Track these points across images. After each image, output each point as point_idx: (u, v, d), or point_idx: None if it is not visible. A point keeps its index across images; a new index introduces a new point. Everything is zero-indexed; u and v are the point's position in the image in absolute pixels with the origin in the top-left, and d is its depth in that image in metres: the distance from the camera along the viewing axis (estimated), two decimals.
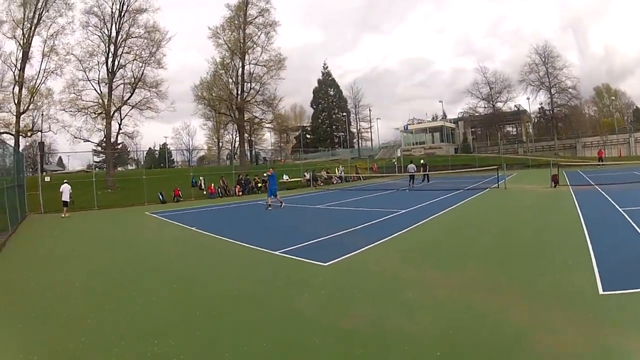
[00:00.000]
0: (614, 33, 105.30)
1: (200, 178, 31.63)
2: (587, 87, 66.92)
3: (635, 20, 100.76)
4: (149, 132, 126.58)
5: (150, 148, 77.52)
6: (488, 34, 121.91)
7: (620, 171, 30.49)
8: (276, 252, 8.57)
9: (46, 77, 31.40)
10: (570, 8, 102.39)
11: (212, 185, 30.24)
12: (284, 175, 35.77)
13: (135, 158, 75.45)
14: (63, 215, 20.24)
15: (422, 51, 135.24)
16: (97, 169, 60.85)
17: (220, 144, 71.11)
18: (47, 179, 28.16)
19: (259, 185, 32.01)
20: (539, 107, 68.03)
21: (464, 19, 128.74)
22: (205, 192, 30.15)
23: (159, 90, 34.44)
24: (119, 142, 66.84)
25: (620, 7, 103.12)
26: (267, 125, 47.32)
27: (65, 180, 21.93)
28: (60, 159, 71.32)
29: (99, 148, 35.27)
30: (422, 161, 35.65)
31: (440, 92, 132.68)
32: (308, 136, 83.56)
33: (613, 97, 70.96)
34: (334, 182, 39.46)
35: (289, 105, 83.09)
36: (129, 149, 74.67)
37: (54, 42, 31.39)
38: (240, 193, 30.02)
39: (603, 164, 34.91)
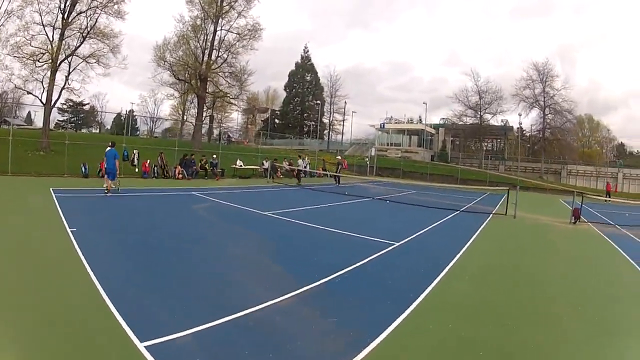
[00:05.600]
0: (602, 67, 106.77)
1: (134, 151, 25.09)
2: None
3: (625, 58, 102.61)
4: (120, 96, 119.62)
5: (118, 113, 71.34)
6: (474, 50, 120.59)
7: (631, 209, 26.80)
8: None
9: (6, 19, 26.08)
10: (562, 38, 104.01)
11: (148, 162, 24.26)
12: (238, 161, 30.32)
13: (100, 121, 69.30)
14: None
15: (406, 55, 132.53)
16: (61, 128, 54.66)
17: (185, 117, 64.61)
18: None
19: (205, 167, 26.52)
20: (518, 126, 64.83)
21: (453, 30, 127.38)
22: (137, 170, 24.15)
23: (113, 43, 28.65)
24: (85, 102, 61.19)
25: (612, 44, 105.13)
26: (232, 100, 41.57)
27: None
28: (29, 114, 63.84)
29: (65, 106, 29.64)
30: (338, 157, 33.70)
31: (418, 97, 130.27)
32: (277, 121, 77.82)
33: (609, 129, 69.91)
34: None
35: (262, 87, 77.61)
36: (96, 111, 68.66)
37: None
38: (181, 176, 24.18)
39: (609, 199, 31.28)
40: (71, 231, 8.41)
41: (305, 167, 36.20)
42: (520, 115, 60.13)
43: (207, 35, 35.97)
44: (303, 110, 76.11)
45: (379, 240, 9.98)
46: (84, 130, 62.58)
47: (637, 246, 12.88)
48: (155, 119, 68.43)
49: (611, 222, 18.42)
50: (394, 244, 9.70)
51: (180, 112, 60.14)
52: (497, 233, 13.54)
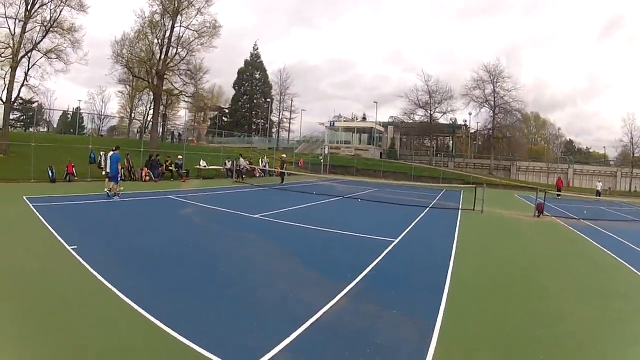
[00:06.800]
0: (550, 66, 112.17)
1: (101, 153, 23.64)
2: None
3: (572, 57, 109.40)
4: (64, 93, 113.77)
5: (64, 111, 67.49)
6: (418, 47, 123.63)
7: (583, 203, 29.15)
8: None
9: None
10: (509, 37, 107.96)
11: None
12: (201, 161, 29.88)
13: (48, 120, 65.49)
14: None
15: (349, 52, 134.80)
16: (11, 127, 50.90)
17: (133, 114, 62.41)
18: None
19: (170, 168, 25.86)
20: (463, 123, 67.39)
21: (398, 28, 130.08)
22: (104, 172, 23.31)
23: (74, 38, 27.51)
24: (33, 100, 57.72)
25: (561, 43, 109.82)
26: (187, 99, 40.80)
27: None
28: None
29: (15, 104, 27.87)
30: (283, 155, 35.38)
31: (360, 94, 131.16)
32: (224, 119, 76.91)
33: (559, 127, 74.41)
34: (257, 174, 34.32)
35: (207, 84, 76.79)
36: (43, 109, 64.56)
37: None
38: (148, 178, 23.41)
39: (560, 194, 32.70)
40: (72, 249, 7.48)
41: (264, 165, 36.41)
42: (470, 114, 62.60)
43: (165, 32, 34.96)
44: (252, 108, 75.70)
45: (379, 238, 10.61)
46: (31, 129, 59.22)
47: (600, 233, 14.99)
48: (102, 117, 65.64)
49: (572, 215, 20.30)
50: (393, 241, 10.37)
51: (129, 110, 58.46)
52: (474, 226, 14.70)
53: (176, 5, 33.81)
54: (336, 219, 14.39)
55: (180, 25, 35.06)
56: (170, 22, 34.42)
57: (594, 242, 12.85)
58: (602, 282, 8.32)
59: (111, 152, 16.18)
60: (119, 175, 16.03)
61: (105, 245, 8.29)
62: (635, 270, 9.20)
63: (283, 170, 31.30)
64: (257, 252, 8.59)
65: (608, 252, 11.35)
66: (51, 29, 26.24)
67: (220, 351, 4.03)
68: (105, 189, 15.65)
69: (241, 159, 30.62)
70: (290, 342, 4.36)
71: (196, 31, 35.38)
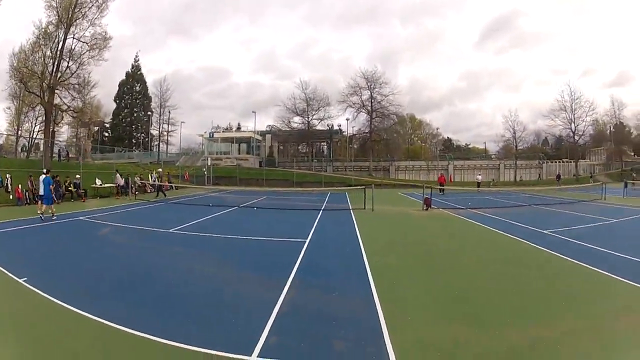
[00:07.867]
0: (426, 68, 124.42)
1: (7, 176, 23.22)
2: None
3: (448, 60, 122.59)
4: None
5: None
6: (293, 55, 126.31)
7: (467, 195, 32.23)
8: None
9: None
10: (385, 42, 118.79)
11: (20, 187, 22.63)
12: (97, 180, 29.10)
13: None
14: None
15: (224, 61, 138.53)
16: None
17: (20, 132, 57.35)
18: None
19: (70, 189, 25.08)
20: (338, 128, 71.20)
21: (272, 37, 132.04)
22: (12, 197, 22.34)
23: None
24: None
25: (437, 47, 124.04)
26: (76, 114, 39.05)
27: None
28: None
29: None
30: (159, 170, 36.89)
31: (235, 103, 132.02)
32: (106, 134, 73.40)
33: (438, 127, 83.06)
34: (149, 190, 33.93)
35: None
36: None
37: None
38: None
39: (443, 190, 34.88)
40: (23, 281, 7.13)
41: (154, 181, 36.03)
42: (347, 119, 66.18)
43: (57, 44, 33.47)
44: (132, 122, 72.93)
45: (291, 240, 11.87)
46: None
47: (485, 217, 17.90)
48: None
49: (459, 206, 23.23)
50: (305, 240, 11.63)
51: (16, 127, 54.06)
52: (371, 222, 16.57)
53: (70, 15, 32.55)
54: (244, 227, 15.20)
55: (73, 37, 33.85)
56: (64, 33, 33.17)
57: (481, 224, 15.59)
58: (495, 252, 10.67)
59: (43, 176, 16.76)
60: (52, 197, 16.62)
61: (53, 272, 8.14)
62: (520, 239, 12.07)
63: (162, 184, 31.86)
64: (192, 263, 9.03)
65: (495, 229, 14.16)
66: None
67: (223, 346, 4.67)
68: (38, 212, 16.01)
69: (118, 175, 30.16)
70: (271, 325, 5.27)
71: (87, 43, 34.38)
